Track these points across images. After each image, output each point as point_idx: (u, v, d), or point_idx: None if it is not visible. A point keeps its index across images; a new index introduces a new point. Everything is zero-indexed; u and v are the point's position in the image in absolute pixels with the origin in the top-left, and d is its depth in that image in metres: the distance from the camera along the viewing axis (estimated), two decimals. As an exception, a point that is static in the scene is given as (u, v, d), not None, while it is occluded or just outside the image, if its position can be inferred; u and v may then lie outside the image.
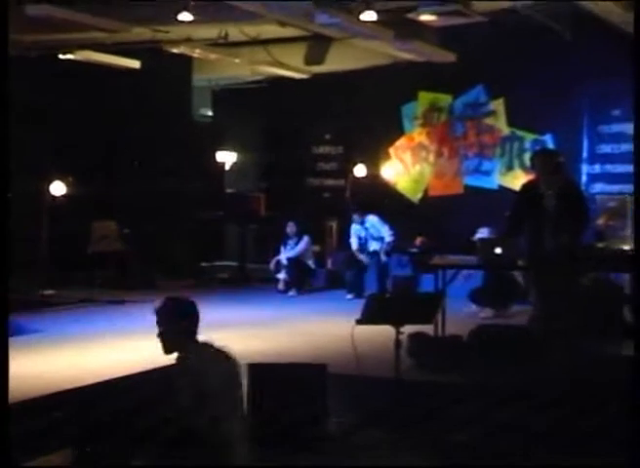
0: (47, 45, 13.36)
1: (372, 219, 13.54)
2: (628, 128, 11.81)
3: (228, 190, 16.96)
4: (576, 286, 8.96)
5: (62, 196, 14.01)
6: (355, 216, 13.72)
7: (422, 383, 7.39)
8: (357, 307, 7.37)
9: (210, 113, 18.31)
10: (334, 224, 15.66)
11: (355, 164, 15.67)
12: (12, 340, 9.29)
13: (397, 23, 12.13)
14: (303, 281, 14.17)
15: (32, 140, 12.26)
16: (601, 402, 6.69)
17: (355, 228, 13.72)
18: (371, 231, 13.53)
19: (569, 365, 7.73)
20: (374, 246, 13.45)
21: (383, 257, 13.29)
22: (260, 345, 9.30)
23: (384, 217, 13.69)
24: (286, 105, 16.14)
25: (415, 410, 6.88)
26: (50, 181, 13.76)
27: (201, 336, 9.66)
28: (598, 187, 13.02)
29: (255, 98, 16.91)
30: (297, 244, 14.07)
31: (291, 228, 14.13)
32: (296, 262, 13.99)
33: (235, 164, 16.80)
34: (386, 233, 13.38)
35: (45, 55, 13.60)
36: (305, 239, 14.12)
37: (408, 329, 7.13)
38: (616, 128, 13.13)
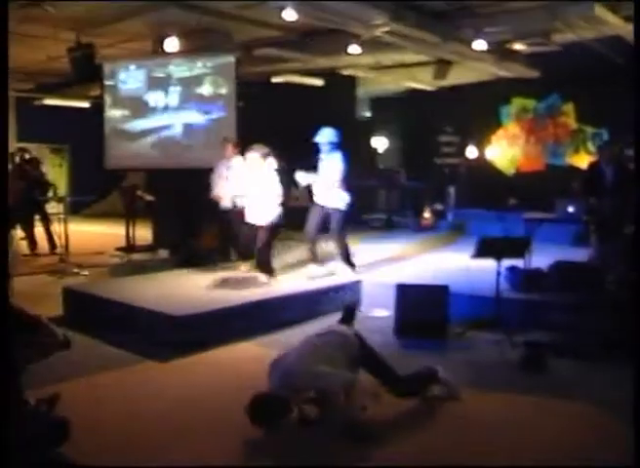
0: (265, 73, 13.64)
1: None
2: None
3: (380, 166, 16.94)
4: (622, 234, 8.67)
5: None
6: None
7: (514, 300, 7.22)
8: (470, 246, 7.26)
9: (368, 114, 18.26)
10: (452, 190, 15.48)
11: (467, 148, 15.39)
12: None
13: (498, 51, 11.84)
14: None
15: (254, 134, 12.47)
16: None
17: None
18: None
19: (617, 288, 7.47)
20: None
21: None
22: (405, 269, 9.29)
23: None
24: (419, 108, 15.96)
25: (509, 318, 6.79)
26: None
27: (366, 259, 9.50)
28: (637, 166, 12.40)
29: (398, 104, 16.80)
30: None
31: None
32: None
33: (386, 149, 16.76)
34: None
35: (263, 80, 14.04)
36: None
37: (505, 262, 7.03)
38: (650, 124, 12.51)
